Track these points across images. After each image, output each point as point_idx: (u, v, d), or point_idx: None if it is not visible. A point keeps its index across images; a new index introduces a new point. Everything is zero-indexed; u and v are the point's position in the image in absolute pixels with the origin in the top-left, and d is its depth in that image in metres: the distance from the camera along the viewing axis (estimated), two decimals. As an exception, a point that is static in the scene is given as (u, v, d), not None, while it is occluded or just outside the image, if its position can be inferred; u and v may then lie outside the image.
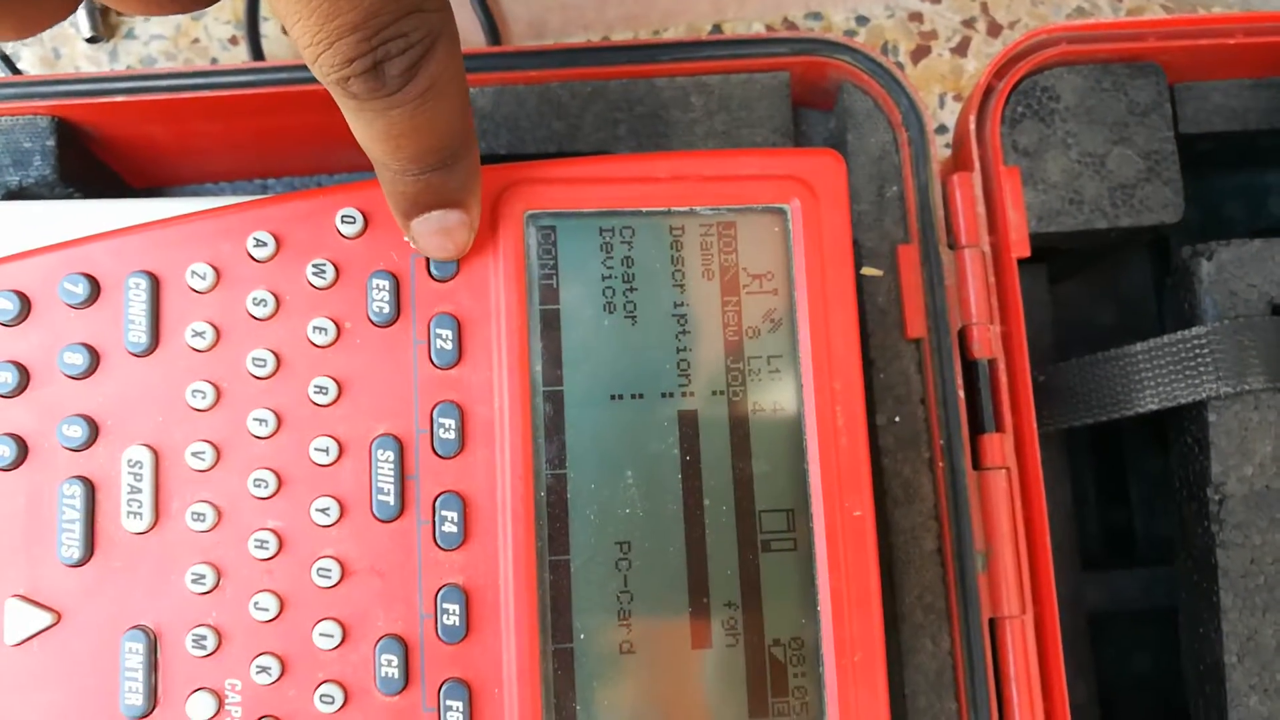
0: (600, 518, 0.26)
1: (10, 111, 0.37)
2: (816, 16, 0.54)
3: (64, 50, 0.55)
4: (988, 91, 0.38)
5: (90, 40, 0.54)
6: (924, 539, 0.36)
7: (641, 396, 0.27)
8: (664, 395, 0.27)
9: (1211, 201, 0.45)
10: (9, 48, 0.54)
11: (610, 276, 0.27)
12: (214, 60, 0.55)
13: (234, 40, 0.55)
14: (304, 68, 0.38)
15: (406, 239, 0.26)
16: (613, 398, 0.27)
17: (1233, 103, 0.40)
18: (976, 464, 0.37)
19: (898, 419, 0.37)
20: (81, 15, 0.54)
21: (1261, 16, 0.39)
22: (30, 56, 0.55)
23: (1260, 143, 0.42)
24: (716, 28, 0.54)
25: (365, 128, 0.23)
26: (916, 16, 0.54)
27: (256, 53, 0.52)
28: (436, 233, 0.25)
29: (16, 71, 0.51)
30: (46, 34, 0.55)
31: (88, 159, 0.39)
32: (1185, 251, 0.38)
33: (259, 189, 0.44)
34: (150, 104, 0.37)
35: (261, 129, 0.40)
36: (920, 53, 0.54)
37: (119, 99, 0.37)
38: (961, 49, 0.54)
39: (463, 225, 0.26)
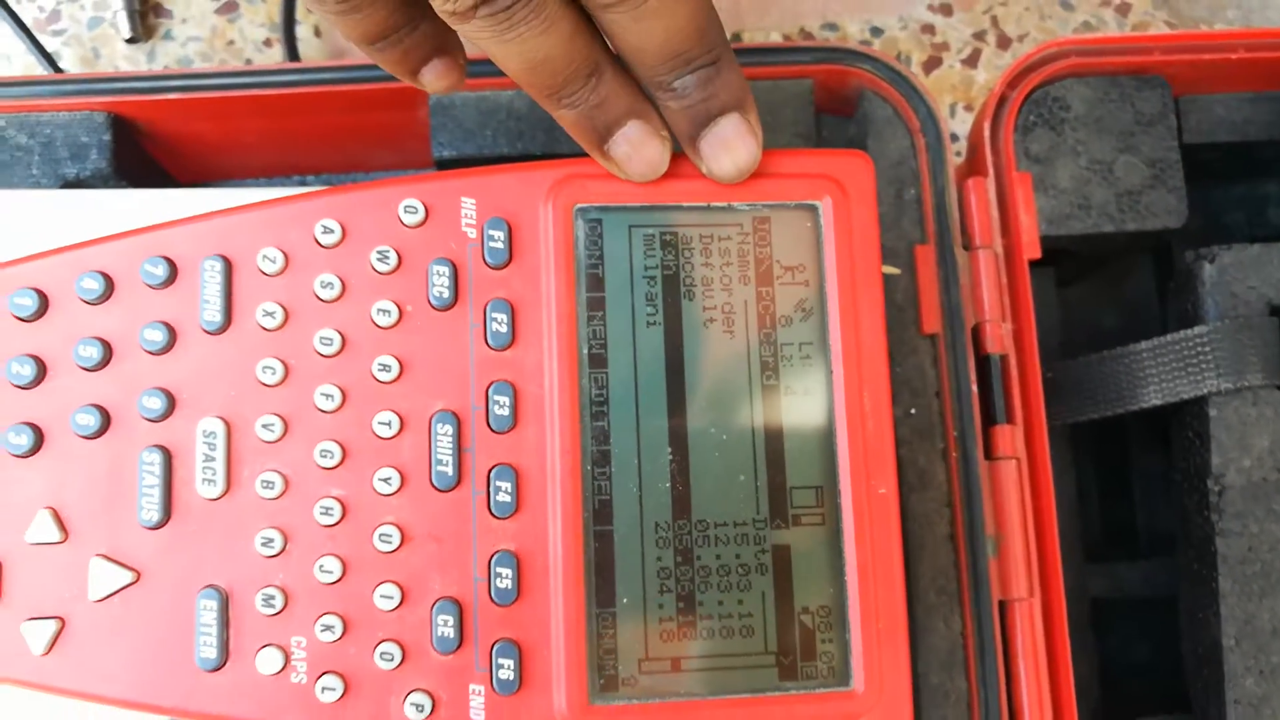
0: (641, 491, 0.28)
1: (69, 107, 0.39)
2: (832, 28, 0.56)
3: (104, 50, 0.57)
4: (1001, 101, 0.40)
5: (129, 41, 0.56)
6: (937, 525, 0.38)
7: (681, 377, 0.29)
8: (701, 377, 0.29)
9: (1213, 210, 0.47)
10: (52, 46, 0.56)
11: (652, 266, 0.29)
12: (248, 61, 0.57)
13: (268, 42, 0.57)
14: (345, 68, 0.39)
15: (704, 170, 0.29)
16: (654, 378, 0.29)
17: (1234, 115, 0.42)
18: (988, 454, 0.38)
19: (914, 411, 0.39)
20: (121, 17, 0.55)
21: (1262, 33, 0.41)
22: (71, 56, 0.57)
23: (1260, 154, 0.44)
24: (736, 37, 0.56)
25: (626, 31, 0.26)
26: (929, 29, 0.56)
27: (292, 54, 0.54)
28: (720, 148, 0.28)
29: (58, 70, 0.53)
30: (86, 34, 0.57)
31: (139, 154, 0.41)
32: (1189, 255, 0.40)
33: (297, 185, 0.46)
34: (200, 101, 0.39)
35: (302, 127, 0.42)
36: (932, 64, 0.56)
37: (172, 96, 0.39)
38: (972, 61, 0.56)
39: (743, 132, 0.28)
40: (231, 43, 0.57)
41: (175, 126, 0.41)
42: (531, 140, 0.39)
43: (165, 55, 0.57)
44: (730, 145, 0.28)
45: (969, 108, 0.56)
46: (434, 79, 0.29)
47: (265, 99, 0.40)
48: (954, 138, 0.54)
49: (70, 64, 0.56)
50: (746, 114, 0.28)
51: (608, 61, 0.27)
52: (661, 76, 0.27)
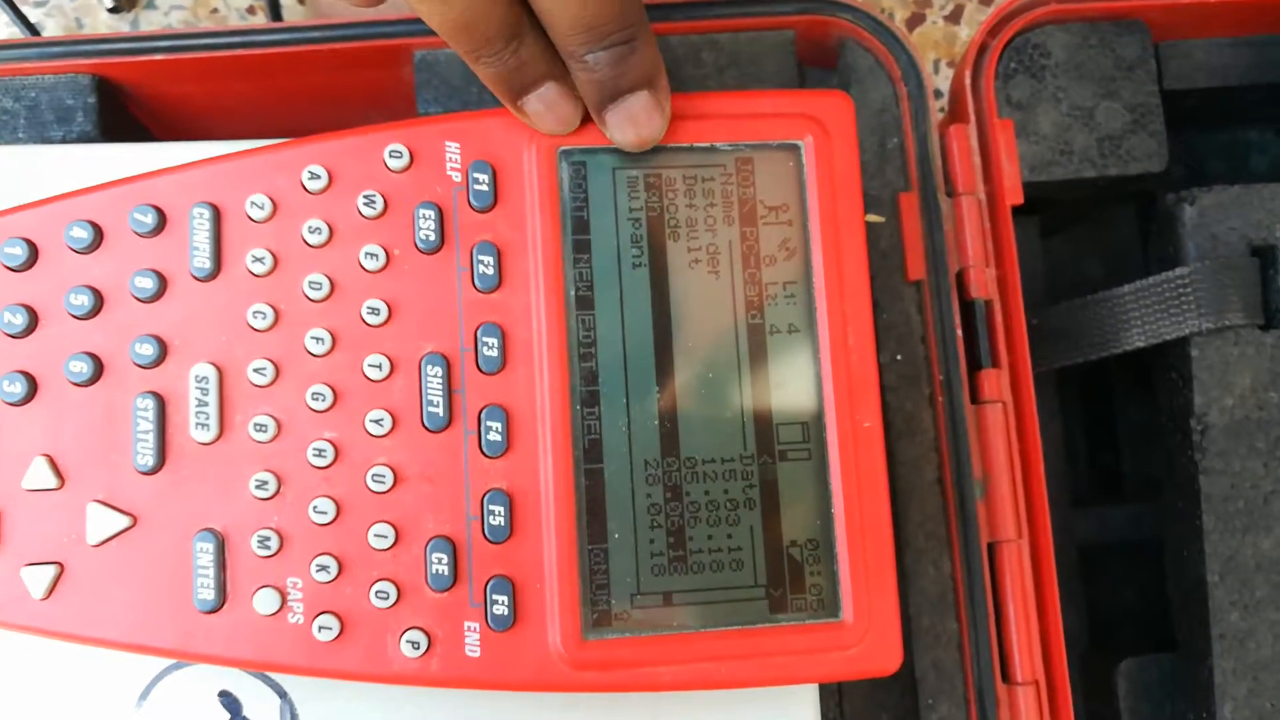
0: (630, 429, 0.28)
1: (54, 70, 0.39)
2: (816, -15, 0.56)
3: (86, 21, 0.57)
4: (982, 49, 0.41)
5: (112, 10, 0.56)
6: (925, 469, 0.39)
7: (667, 318, 0.29)
8: (688, 317, 0.29)
9: (1195, 158, 0.47)
10: (34, 17, 0.56)
11: (637, 208, 0.29)
12: (233, 30, 0.57)
13: (252, 9, 0.57)
14: (330, 27, 0.40)
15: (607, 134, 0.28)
16: (641, 319, 0.29)
17: (1214, 60, 0.43)
18: (974, 398, 0.39)
19: (899, 357, 0.39)
20: (104, -13, 0.55)
21: (1240, -25, 0.41)
22: (53, 27, 0.57)
23: (1241, 99, 0.44)
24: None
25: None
26: (912, -15, 0.56)
27: (276, 20, 0.54)
28: (627, 122, 0.28)
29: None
30: (69, 5, 0.57)
31: (125, 117, 0.41)
32: (1169, 198, 0.40)
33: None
34: (186, 62, 0.39)
35: (288, 88, 0.42)
36: (915, 20, 0.57)
37: (157, 57, 0.39)
38: (955, 17, 0.57)
39: (651, 109, 0.28)
40: (215, 10, 0.57)
41: (161, 88, 0.41)
42: (517, 96, 0.39)
43: (148, 24, 0.57)
44: (636, 121, 0.28)
45: (952, 64, 0.56)
46: None
47: (250, 59, 0.40)
48: (937, 94, 0.55)
49: (53, 34, 0.56)
50: (657, 92, 0.28)
51: (530, 25, 0.27)
52: (574, 47, 0.27)
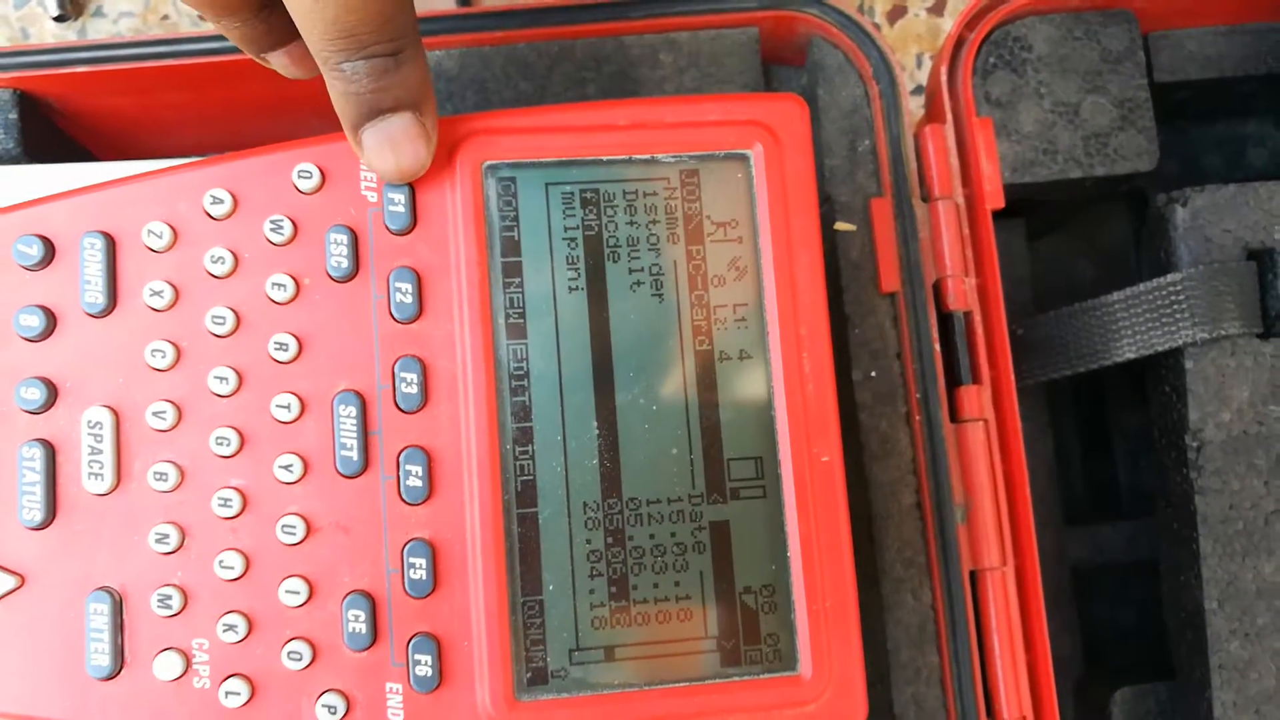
0: (567, 469, 0.26)
1: (-29, 85, 0.37)
2: (790, -22, 0.54)
3: (32, 30, 0.54)
4: (959, 43, 0.38)
5: (58, 19, 0.53)
6: (903, 493, 0.36)
7: (607, 346, 0.27)
8: (629, 344, 0.27)
9: (1189, 154, 0.45)
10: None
11: (573, 226, 0.27)
12: (185, 37, 0.54)
13: (204, 16, 0.55)
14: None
15: (363, 163, 0.26)
16: (578, 348, 0.27)
17: (1207, 50, 0.40)
18: (954, 417, 0.36)
19: (874, 374, 0.37)
20: (50, -6, 0.53)
21: (1234, -41, 0.39)
22: (-1, 37, 0.54)
23: (1237, 90, 0.42)
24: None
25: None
26: (892, -24, 0.54)
27: (226, 27, 0.52)
28: (385, 144, 0.25)
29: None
30: (14, 15, 0.54)
31: (53, 133, 0.39)
32: (1160, 199, 0.38)
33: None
34: (115, 74, 0.37)
35: (228, 99, 0.40)
36: (897, 13, 0.54)
37: (83, 69, 0.37)
38: (938, 8, 0.54)
39: (414, 134, 0.25)
40: (166, 17, 0.55)
41: (90, 102, 0.39)
42: (462, 101, 0.37)
43: (97, 33, 0.55)
44: (397, 145, 0.26)
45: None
46: (285, 64, 0.28)
47: (184, 69, 0.38)
48: (921, 90, 0.52)
49: (-2, 46, 0.54)
50: (422, 116, 0.26)
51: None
52: (329, 54, 0.24)
